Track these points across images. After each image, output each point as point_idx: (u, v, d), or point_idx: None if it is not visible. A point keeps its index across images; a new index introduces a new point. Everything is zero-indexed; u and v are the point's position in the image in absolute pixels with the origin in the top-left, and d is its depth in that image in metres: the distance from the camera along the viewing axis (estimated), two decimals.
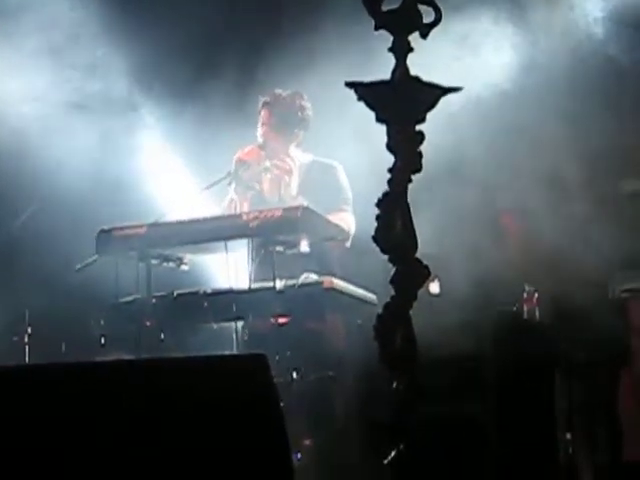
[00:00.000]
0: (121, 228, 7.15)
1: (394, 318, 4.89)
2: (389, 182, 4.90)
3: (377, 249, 5.02)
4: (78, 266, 7.43)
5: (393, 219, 4.89)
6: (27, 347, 8.29)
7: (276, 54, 8.33)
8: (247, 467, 4.36)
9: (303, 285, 6.93)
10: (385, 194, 4.89)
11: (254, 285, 7.09)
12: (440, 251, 6.61)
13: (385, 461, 4.82)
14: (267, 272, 7.01)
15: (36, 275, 8.67)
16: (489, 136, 8.43)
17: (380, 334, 4.91)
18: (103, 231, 7.15)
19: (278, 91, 7.88)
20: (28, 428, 4.45)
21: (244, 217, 7.03)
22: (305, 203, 7.22)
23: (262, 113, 7.84)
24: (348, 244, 7.48)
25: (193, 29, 9.16)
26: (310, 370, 7.06)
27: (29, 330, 8.31)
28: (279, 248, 6.96)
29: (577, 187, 8.50)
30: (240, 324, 7.34)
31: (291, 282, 6.95)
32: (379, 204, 4.87)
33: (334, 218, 7.33)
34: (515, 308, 8.01)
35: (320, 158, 7.89)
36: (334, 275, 7.02)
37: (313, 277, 6.96)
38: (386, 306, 4.95)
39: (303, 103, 7.81)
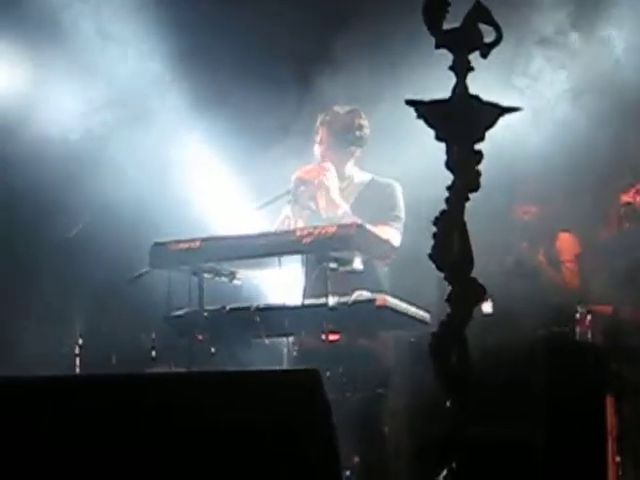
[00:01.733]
0: (176, 242, 7.15)
1: (450, 337, 4.90)
2: (447, 201, 4.91)
3: (429, 266, 5.06)
4: (130, 277, 7.46)
5: (450, 238, 4.90)
6: (77, 358, 8.33)
7: (335, 70, 8.28)
8: None
9: (356, 302, 6.89)
10: (442, 212, 4.91)
11: (307, 301, 7.09)
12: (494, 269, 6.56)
13: (439, 476, 4.84)
14: (320, 288, 6.99)
15: (88, 287, 8.67)
16: (545, 155, 8.43)
17: (436, 353, 4.92)
18: (157, 244, 7.16)
19: (336, 108, 7.88)
20: (71, 435, 4.50)
21: (298, 233, 7.02)
22: (359, 221, 7.23)
23: (319, 131, 7.85)
24: (388, 261, 7.44)
25: (250, 47, 9.18)
26: (360, 387, 7.05)
27: (80, 341, 8.36)
28: (333, 265, 6.97)
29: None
30: (291, 340, 7.38)
31: (344, 299, 6.92)
32: (436, 222, 4.89)
33: (379, 230, 7.31)
34: (568, 329, 8.02)
35: (379, 177, 7.86)
36: (385, 292, 7.01)
37: (366, 295, 6.92)
38: (442, 324, 4.97)
39: (361, 121, 7.80)
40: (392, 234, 7.45)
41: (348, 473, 6.69)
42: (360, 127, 7.79)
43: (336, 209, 7.68)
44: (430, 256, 4.96)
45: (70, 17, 9.25)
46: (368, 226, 7.13)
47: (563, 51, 8.80)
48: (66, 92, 9.39)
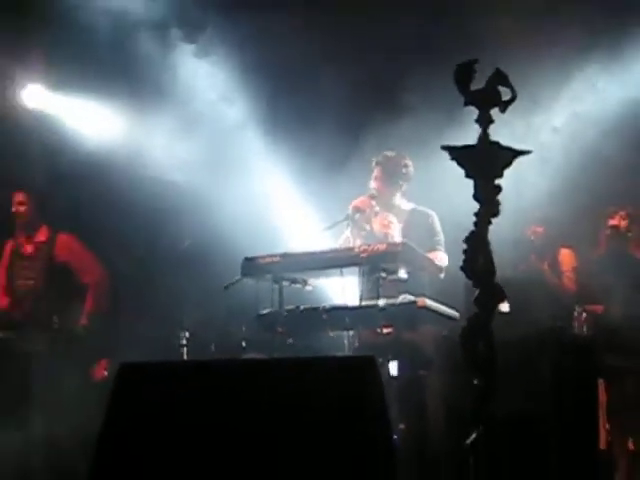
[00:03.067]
0: (261, 257, 7.14)
1: (477, 330, 4.92)
2: (475, 224, 4.94)
3: (458, 275, 5.08)
4: (226, 284, 7.44)
5: (477, 253, 4.92)
6: (185, 348, 8.36)
7: (389, 122, 8.27)
8: (358, 447, 4.35)
9: (401, 304, 6.89)
10: (471, 233, 4.94)
11: (363, 303, 7.07)
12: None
13: (467, 441, 4.84)
14: (373, 293, 7.00)
15: (193, 291, 8.70)
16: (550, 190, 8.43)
17: (465, 343, 4.95)
18: (247, 259, 7.15)
19: (387, 153, 7.90)
20: (187, 409, 4.54)
21: (356, 250, 7.04)
22: (405, 240, 7.26)
23: (375, 170, 7.86)
24: (442, 275, 7.41)
25: (327, 96, 9.12)
26: (407, 369, 7.04)
27: (187, 334, 8.39)
28: (383, 274, 6.96)
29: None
30: (351, 333, 7.35)
31: (391, 301, 6.91)
32: (467, 240, 4.92)
33: (432, 256, 7.39)
34: (568, 324, 8.02)
35: (419, 207, 7.87)
36: (425, 296, 6.98)
37: (409, 297, 6.91)
38: (470, 320, 4.99)
39: (406, 162, 7.84)
40: (441, 257, 7.52)
41: (395, 437, 6.69)
42: (406, 166, 7.83)
43: (386, 230, 7.68)
44: (461, 267, 4.99)
45: (172, 78, 9.24)
46: (412, 244, 7.16)
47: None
48: (174, 139, 9.35)
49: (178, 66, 9.26)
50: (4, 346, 7.92)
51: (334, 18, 9.31)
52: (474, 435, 4.86)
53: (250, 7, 9.24)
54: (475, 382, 4.91)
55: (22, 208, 8.51)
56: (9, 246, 8.62)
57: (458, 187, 5.21)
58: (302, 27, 9.25)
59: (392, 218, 7.72)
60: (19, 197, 8.51)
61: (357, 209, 7.66)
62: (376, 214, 7.75)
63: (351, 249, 7.16)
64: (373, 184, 7.84)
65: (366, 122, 8.76)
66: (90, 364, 8.29)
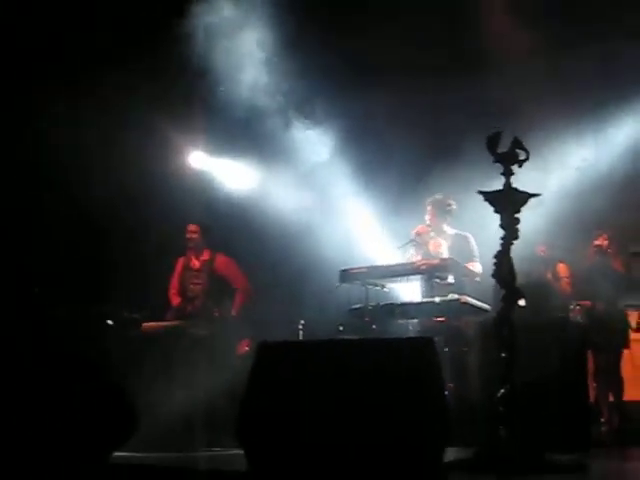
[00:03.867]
0: (353, 268, 7.18)
1: (503, 319, 4.90)
2: (501, 245, 4.93)
3: (490, 280, 5.07)
4: (329, 289, 7.48)
5: (503, 265, 4.91)
6: (301, 331, 8.35)
7: (444, 172, 8.12)
8: (422, 402, 4.32)
9: (450, 300, 6.88)
10: (499, 251, 4.94)
11: (423, 300, 7.10)
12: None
13: (498, 395, 4.81)
14: (430, 293, 7.04)
15: (307, 295, 8.68)
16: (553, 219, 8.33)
17: (495, 327, 4.93)
18: (343, 270, 7.20)
19: (437, 196, 7.87)
20: (307, 374, 4.52)
21: (418, 263, 7.10)
22: (451, 256, 7.27)
23: (428, 208, 7.83)
24: (478, 279, 7.35)
25: (401, 156, 8.99)
26: (454, 346, 7.02)
27: (302, 322, 8.39)
28: (437, 280, 6.99)
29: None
30: (415, 321, 7.32)
31: (443, 298, 6.91)
32: (496, 256, 4.91)
33: (470, 266, 7.37)
34: (567, 315, 7.93)
35: (460, 232, 7.80)
36: (467, 295, 6.95)
37: (455, 296, 6.89)
38: (497, 312, 4.98)
39: (450, 202, 7.81)
40: (476, 267, 7.46)
41: (446, 393, 6.62)
42: (449, 205, 7.81)
43: (437, 249, 7.62)
44: (492, 275, 4.99)
45: (290, 143, 9.14)
46: (457, 259, 7.12)
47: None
48: (291, 187, 9.33)
49: (295, 135, 9.16)
50: (180, 331, 7.96)
51: (410, 96, 9.15)
52: (502, 392, 4.84)
53: (351, 90, 9.09)
54: (502, 355, 4.90)
55: (193, 236, 8.52)
56: (181, 261, 8.63)
57: (490, 219, 5.20)
58: (392, 103, 9.14)
59: (442, 241, 7.71)
60: (191, 228, 8.53)
61: (418, 234, 7.67)
62: (431, 238, 7.73)
63: (414, 263, 7.20)
64: (428, 217, 7.81)
65: (426, 172, 8.61)
66: (237, 343, 8.29)
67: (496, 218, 5.10)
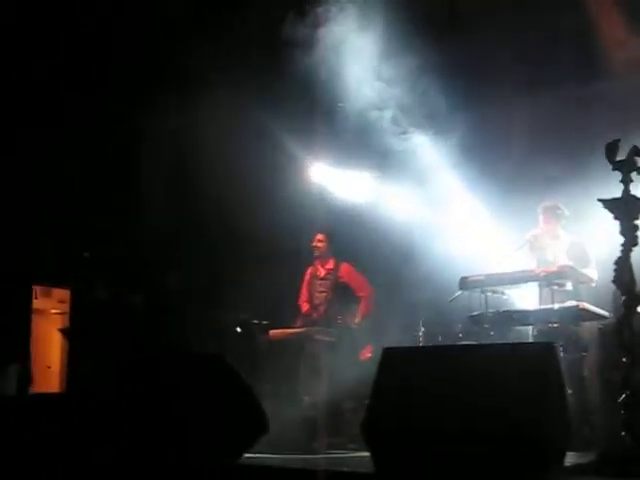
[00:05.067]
0: (472, 276, 7.26)
1: (624, 323, 4.90)
2: (621, 251, 4.94)
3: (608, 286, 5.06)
4: (450, 298, 7.54)
5: (623, 271, 4.91)
6: (420, 338, 8.37)
7: (562, 181, 7.98)
8: (543, 403, 4.27)
9: (568, 307, 6.89)
10: (619, 257, 4.94)
11: (541, 306, 7.13)
12: None
13: (619, 400, 4.81)
14: (548, 299, 7.05)
15: (425, 303, 8.66)
16: None
17: (616, 332, 4.94)
18: (462, 277, 7.28)
19: (546, 203, 7.75)
20: (428, 375, 4.58)
21: (536, 271, 7.11)
22: (570, 263, 7.23)
23: (542, 213, 7.73)
24: (593, 284, 7.26)
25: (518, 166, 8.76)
26: (572, 352, 6.92)
27: (422, 329, 8.40)
28: (555, 287, 6.99)
29: None
30: (533, 327, 7.28)
31: (562, 305, 6.91)
32: (616, 262, 4.92)
33: (586, 271, 7.28)
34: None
35: (575, 238, 7.67)
36: (584, 301, 6.93)
37: (573, 303, 6.90)
38: (618, 317, 4.99)
39: (559, 206, 7.69)
40: (592, 273, 7.33)
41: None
42: (559, 209, 7.69)
43: (554, 255, 7.60)
44: (613, 281, 5.00)
45: (405, 153, 9.08)
46: (574, 266, 7.10)
47: None
48: (406, 195, 9.36)
49: (412, 143, 9.10)
50: (305, 338, 8.15)
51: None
52: (623, 396, 4.83)
53: (468, 95, 9.01)
54: (623, 359, 4.89)
55: (320, 244, 8.71)
56: (310, 270, 8.85)
57: (610, 226, 5.19)
58: (514, 119, 9.05)
59: (558, 247, 7.66)
60: (318, 237, 8.71)
61: (534, 237, 7.63)
62: (547, 245, 7.69)
63: (532, 270, 7.19)
64: (541, 222, 7.72)
65: (542, 181, 8.45)
66: (360, 349, 8.41)
67: (616, 225, 5.09)
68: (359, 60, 8.78)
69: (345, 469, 5.24)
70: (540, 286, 7.25)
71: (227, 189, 9.22)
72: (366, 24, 8.68)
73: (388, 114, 8.94)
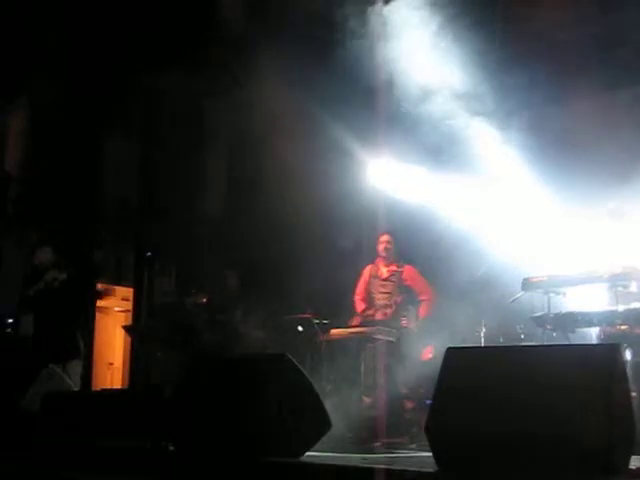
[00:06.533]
0: (534, 277, 7.20)
1: None
2: None
3: None
4: (512, 299, 7.54)
5: None
6: (482, 338, 8.30)
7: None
8: (610, 403, 4.18)
9: (634, 308, 6.77)
10: None
11: (606, 308, 7.01)
12: None
13: None
14: (612, 301, 6.94)
15: (489, 301, 8.57)
16: None
17: None
18: (525, 279, 7.24)
19: (610, 204, 7.64)
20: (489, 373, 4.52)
21: (601, 272, 6.98)
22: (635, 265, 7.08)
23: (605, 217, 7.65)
24: None
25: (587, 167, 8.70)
26: (637, 353, 6.67)
27: (484, 329, 8.31)
28: (620, 288, 6.91)
29: None
30: (597, 329, 7.14)
31: (627, 306, 6.81)
32: None
33: None
34: None
35: None
36: None
37: (638, 304, 6.78)
38: None
39: (625, 208, 7.60)
40: None
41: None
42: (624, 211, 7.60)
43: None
44: None
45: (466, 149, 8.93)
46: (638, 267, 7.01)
47: None
48: (470, 196, 9.17)
49: (478, 142, 8.88)
50: (367, 337, 8.16)
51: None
52: None
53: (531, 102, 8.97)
54: None
55: (388, 245, 8.70)
56: (368, 269, 8.82)
57: None
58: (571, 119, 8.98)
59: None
60: (385, 237, 8.72)
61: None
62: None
63: (597, 272, 7.04)
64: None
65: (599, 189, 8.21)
66: (421, 349, 8.40)
67: None
68: (420, 54, 8.67)
69: (406, 468, 5.22)
70: (606, 288, 7.13)
71: (287, 189, 9.28)
72: (432, 18, 8.59)
73: (455, 110, 8.84)
